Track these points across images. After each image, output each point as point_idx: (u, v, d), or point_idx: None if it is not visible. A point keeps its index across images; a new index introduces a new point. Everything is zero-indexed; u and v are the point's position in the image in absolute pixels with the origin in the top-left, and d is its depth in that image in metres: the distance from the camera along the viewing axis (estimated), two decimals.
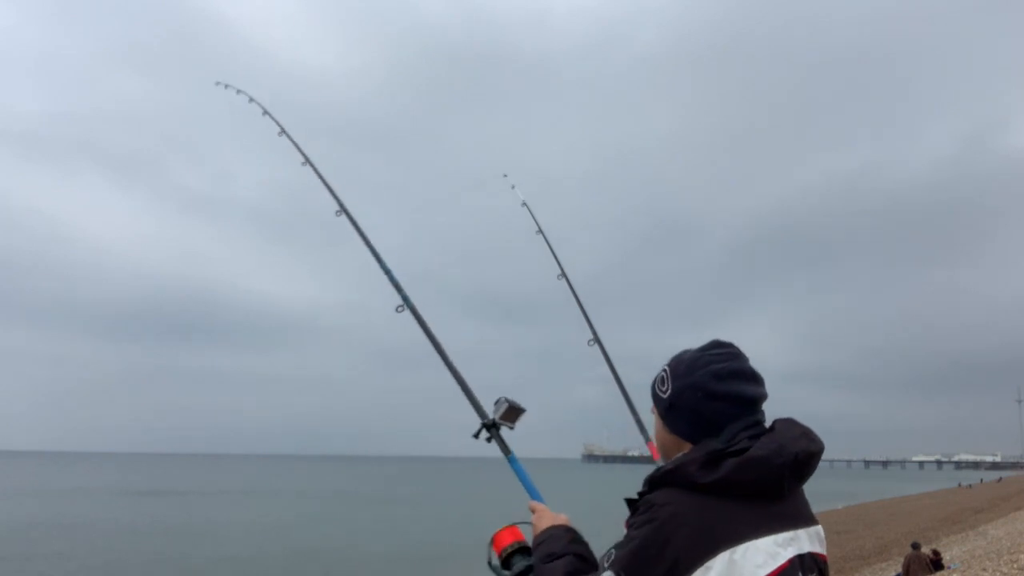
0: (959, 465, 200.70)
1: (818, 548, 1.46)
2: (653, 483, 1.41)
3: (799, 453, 1.38)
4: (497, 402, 2.49)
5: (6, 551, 24.41)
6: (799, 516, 1.43)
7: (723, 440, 1.40)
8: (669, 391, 1.53)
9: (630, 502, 1.44)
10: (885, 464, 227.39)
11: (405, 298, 2.64)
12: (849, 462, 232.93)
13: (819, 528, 1.48)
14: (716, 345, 1.55)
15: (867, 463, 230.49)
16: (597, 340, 3.61)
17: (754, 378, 1.51)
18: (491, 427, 2.36)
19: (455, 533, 27.68)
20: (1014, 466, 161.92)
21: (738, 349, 1.56)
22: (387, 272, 2.74)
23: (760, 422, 1.47)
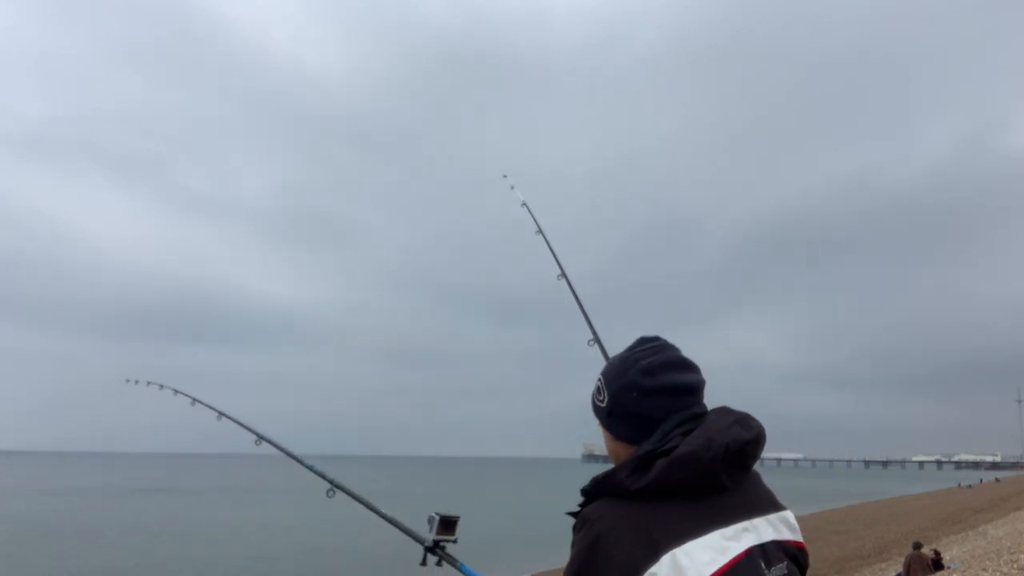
0: (959, 465, 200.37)
1: (787, 535, 1.39)
2: (587, 495, 1.38)
3: (730, 444, 1.32)
4: (429, 520, 2.53)
5: (6, 551, 24.44)
6: (754, 505, 1.37)
7: (655, 440, 1.36)
8: (606, 398, 1.49)
9: (574, 515, 1.39)
10: (885, 464, 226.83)
11: (332, 481, 3.32)
12: (849, 462, 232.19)
13: (785, 514, 1.42)
14: (642, 342, 1.51)
15: (867, 463, 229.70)
16: (597, 340, 3.58)
17: (686, 366, 1.47)
18: (433, 548, 2.39)
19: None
20: (1014, 466, 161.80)
21: (665, 341, 1.51)
22: (310, 468, 3.41)
23: (699, 414, 1.42)
